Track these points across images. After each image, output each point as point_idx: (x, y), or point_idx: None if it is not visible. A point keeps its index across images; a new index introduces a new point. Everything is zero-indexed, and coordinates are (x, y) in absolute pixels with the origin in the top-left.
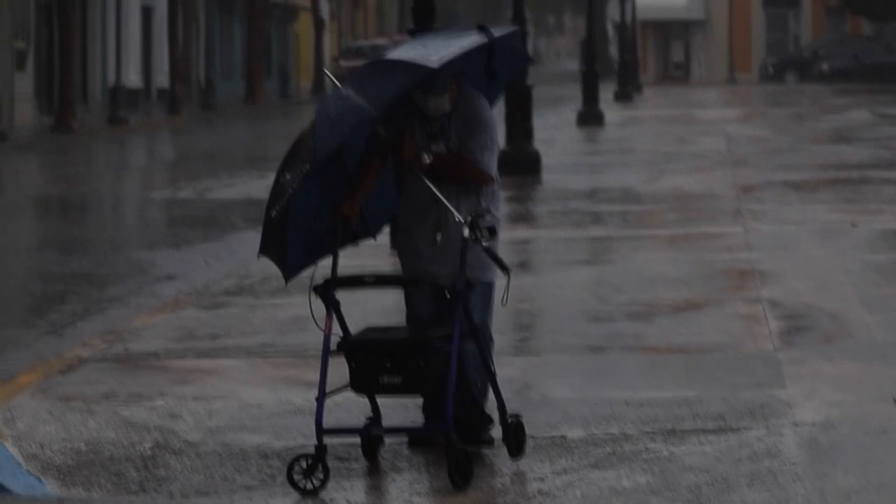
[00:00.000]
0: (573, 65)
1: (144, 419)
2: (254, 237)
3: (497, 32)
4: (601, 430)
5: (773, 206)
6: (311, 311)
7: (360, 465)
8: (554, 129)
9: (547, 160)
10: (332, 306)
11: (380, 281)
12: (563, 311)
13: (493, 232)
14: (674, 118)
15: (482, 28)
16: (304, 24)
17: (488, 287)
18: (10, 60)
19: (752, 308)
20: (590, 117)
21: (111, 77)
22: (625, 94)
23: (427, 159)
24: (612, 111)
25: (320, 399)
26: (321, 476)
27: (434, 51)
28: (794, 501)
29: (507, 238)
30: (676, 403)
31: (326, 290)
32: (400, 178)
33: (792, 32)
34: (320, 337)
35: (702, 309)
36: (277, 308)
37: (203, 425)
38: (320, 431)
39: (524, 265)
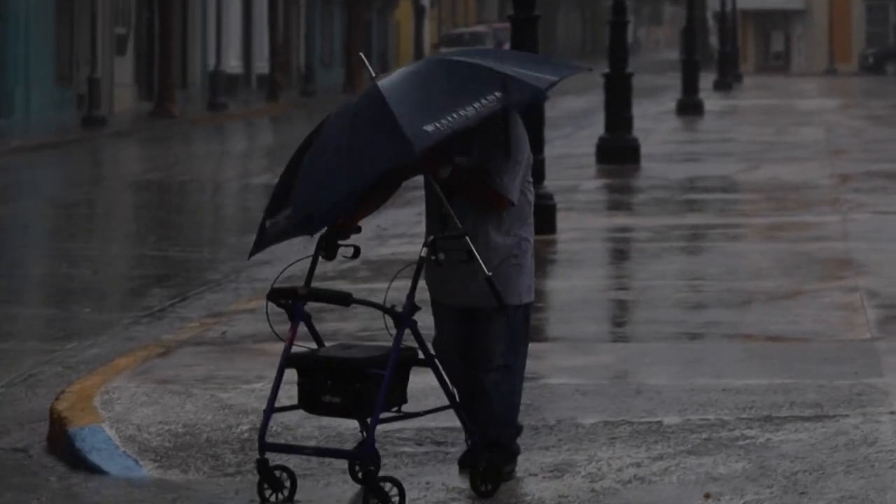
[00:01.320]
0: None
1: (242, 402)
2: None
3: (518, 94)
4: (697, 416)
5: (870, 196)
6: (269, 320)
7: (458, 449)
8: (653, 119)
9: (646, 149)
10: (299, 318)
11: (311, 295)
12: (659, 299)
13: (469, 254)
14: (773, 108)
15: (505, 86)
16: (404, 12)
17: (514, 313)
18: (110, 46)
19: (849, 297)
20: (689, 106)
21: (211, 62)
22: (724, 84)
23: (444, 172)
24: (711, 100)
25: (267, 412)
26: (284, 486)
27: (436, 108)
28: (891, 489)
29: (605, 226)
30: (773, 391)
31: (294, 302)
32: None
33: (892, 23)
34: (421, 321)
35: (798, 298)
36: (373, 293)
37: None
38: (262, 446)
39: (622, 253)
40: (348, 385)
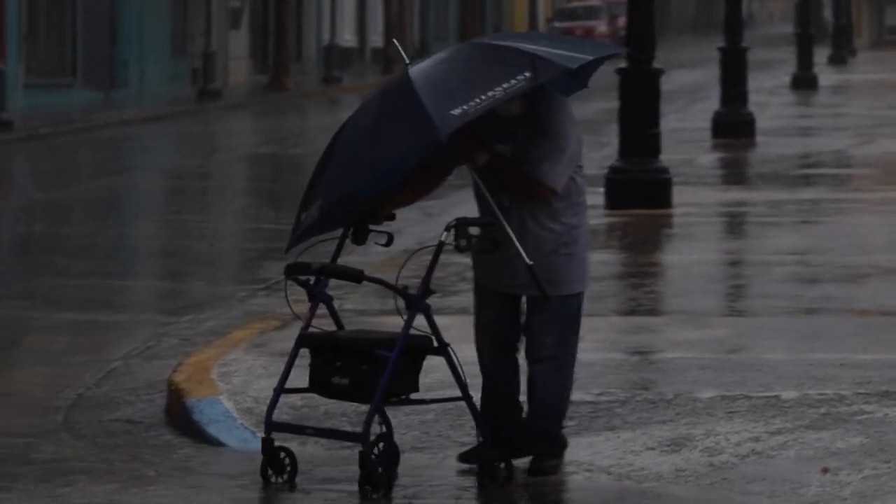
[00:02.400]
0: (787, 28)
1: None
2: (468, 197)
3: (547, 73)
4: (815, 391)
5: None
6: (287, 298)
7: (578, 424)
8: (768, 93)
9: (760, 123)
10: (319, 298)
11: (323, 270)
12: (774, 273)
13: (494, 242)
14: (887, 83)
15: (534, 66)
16: None
17: (564, 302)
18: (225, 19)
19: None
20: (804, 81)
21: (326, 36)
22: (839, 58)
23: (482, 159)
24: (825, 75)
25: (276, 391)
26: (286, 469)
27: (465, 91)
28: None
29: (720, 200)
30: (890, 366)
31: (315, 282)
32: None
33: None
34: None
35: None
36: None
37: (420, 381)
38: (268, 425)
39: (736, 227)
40: (356, 367)
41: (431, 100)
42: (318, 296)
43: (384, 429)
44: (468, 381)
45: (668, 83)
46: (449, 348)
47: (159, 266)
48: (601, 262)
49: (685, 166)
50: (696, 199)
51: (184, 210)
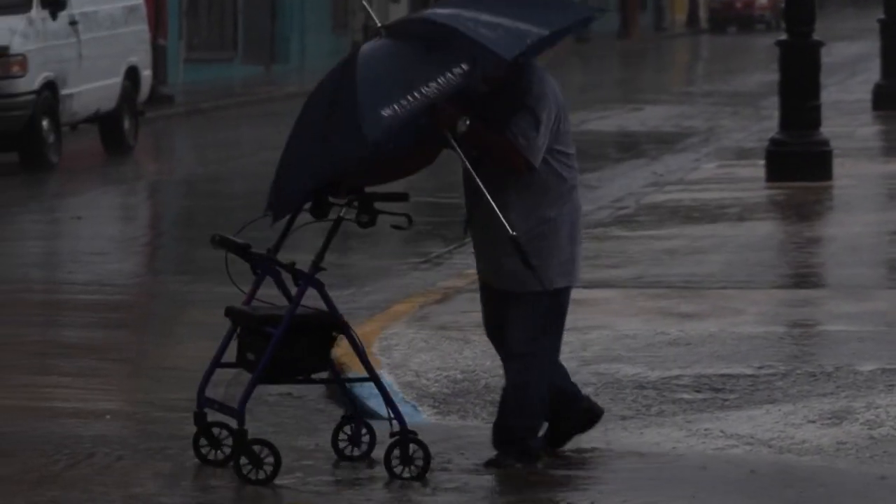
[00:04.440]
0: None
1: None
2: (628, 169)
3: (484, 67)
4: None
5: None
6: (228, 271)
7: (738, 397)
8: None
9: None
10: (263, 274)
11: (221, 242)
12: None
13: (371, 222)
14: None
15: (473, 57)
16: None
17: (537, 299)
18: None
19: None
20: None
21: None
22: None
23: (463, 126)
24: None
25: (211, 364)
26: (220, 445)
27: (400, 84)
28: None
29: (881, 172)
30: None
31: (260, 257)
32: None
33: None
34: (696, 269)
35: None
36: (652, 239)
37: (578, 355)
38: (199, 399)
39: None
40: (259, 344)
41: (368, 96)
42: (260, 270)
43: (347, 411)
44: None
45: (828, 55)
46: (348, 326)
47: (320, 240)
48: (762, 234)
49: (846, 138)
50: (856, 172)
51: None
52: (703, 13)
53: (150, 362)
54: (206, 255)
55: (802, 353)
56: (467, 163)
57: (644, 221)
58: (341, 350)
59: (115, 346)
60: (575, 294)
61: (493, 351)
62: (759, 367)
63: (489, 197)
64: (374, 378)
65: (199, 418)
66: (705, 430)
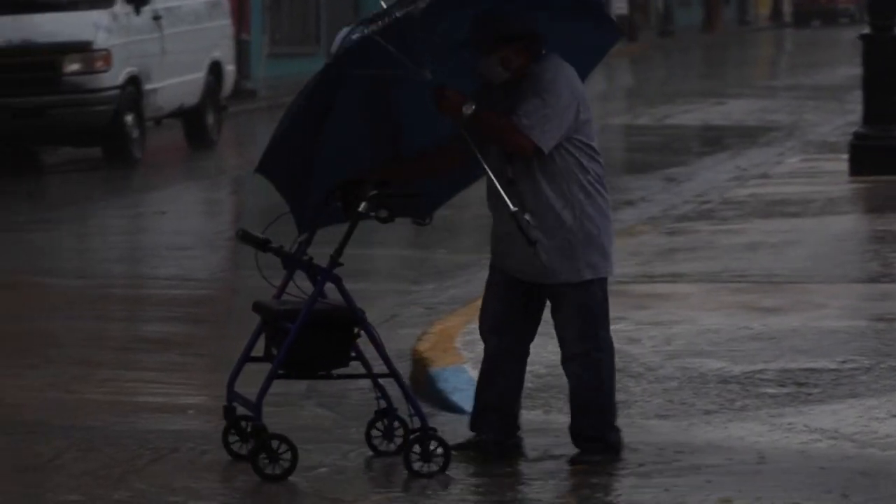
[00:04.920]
0: None
1: None
2: (711, 163)
3: None
4: None
5: None
6: (258, 264)
7: (822, 391)
8: None
9: None
10: (292, 268)
11: (242, 237)
12: None
13: (389, 218)
14: None
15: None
16: None
17: (578, 293)
18: None
19: None
20: None
21: None
22: None
23: (468, 110)
24: None
25: (240, 358)
26: (248, 439)
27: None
28: None
29: None
30: None
31: (292, 252)
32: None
33: None
34: (779, 263)
35: None
36: (735, 233)
37: (661, 349)
38: (230, 393)
39: None
40: (279, 338)
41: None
42: (288, 264)
43: (382, 404)
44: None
45: None
46: (367, 321)
47: (404, 234)
48: (845, 228)
49: None
50: None
51: None
52: (786, 7)
53: (232, 357)
54: (327, 252)
55: (886, 348)
56: (478, 152)
57: (727, 216)
58: (427, 345)
59: (199, 340)
60: (658, 289)
61: None
62: (843, 362)
63: (491, 174)
64: (394, 374)
65: (228, 412)
66: (789, 424)
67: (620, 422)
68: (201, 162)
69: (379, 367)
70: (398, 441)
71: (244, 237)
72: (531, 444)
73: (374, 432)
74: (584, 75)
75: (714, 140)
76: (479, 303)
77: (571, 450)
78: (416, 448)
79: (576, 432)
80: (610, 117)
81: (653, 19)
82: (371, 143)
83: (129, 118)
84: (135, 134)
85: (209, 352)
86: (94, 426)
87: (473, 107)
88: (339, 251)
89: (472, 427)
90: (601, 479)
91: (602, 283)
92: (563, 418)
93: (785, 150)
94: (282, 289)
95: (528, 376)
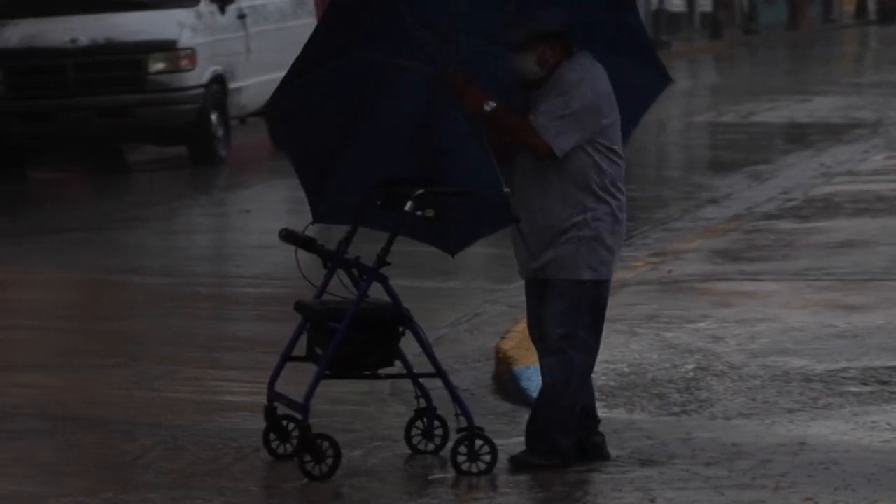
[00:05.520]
0: None
1: (687, 342)
2: (796, 160)
3: None
4: None
5: None
6: (298, 263)
7: None
8: None
9: None
10: (333, 267)
11: (287, 236)
12: None
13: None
14: None
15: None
16: None
17: (570, 290)
18: None
19: None
20: None
21: (654, 1)
22: None
23: (489, 107)
24: None
25: (281, 358)
26: (289, 439)
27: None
28: None
29: None
30: None
31: (333, 250)
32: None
33: None
34: (864, 260)
35: None
36: (819, 231)
37: (745, 348)
38: (270, 393)
39: None
40: (324, 338)
41: None
42: (330, 263)
43: (422, 403)
44: None
45: None
46: (413, 320)
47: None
48: None
49: None
50: None
51: None
52: (871, 4)
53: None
54: (373, 248)
55: None
56: (489, 148)
57: (812, 213)
58: (511, 343)
59: (283, 339)
60: (742, 287)
61: (660, 344)
62: None
63: (492, 157)
64: (440, 374)
65: (269, 412)
66: (872, 422)
67: (701, 419)
68: (285, 160)
69: (419, 367)
70: (438, 441)
71: (287, 237)
72: (615, 442)
73: (414, 431)
74: (637, 117)
75: (799, 137)
76: None
77: (649, 451)
78: (463, 448)
79: (528, 429)
80: (694, 114)
81: (737, 17)
82: (409, 151)
83: (213, 117)
84: (219, 133)
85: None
86: (179, 425)
87: (494, 104)
88: (385, 250)
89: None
90: (678, 474)
91: (597, 284)
92: (646, 416)
93: (870, 147)
94: (322, 288)
95: (611, 374)
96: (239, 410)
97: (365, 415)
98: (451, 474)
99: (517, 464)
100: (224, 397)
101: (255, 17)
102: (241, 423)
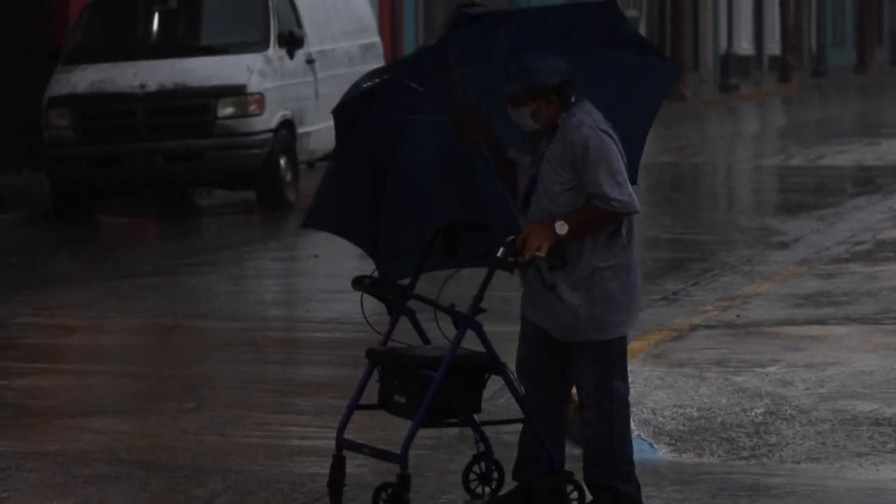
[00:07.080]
0: None
1: (756, 385)
2: (864, 204)
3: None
4: None
5: None
6: (362, 310)
7: None
8: None
9: None
10: (397, 312)
11: (372, 285)
12: None
13: (563, 260)
14: None
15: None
16: None
17: (596, 348)
18: None
19: None
20: None
21: (723, 44)
22: None
23: (562, 230)
24: None
25: (348, 408)
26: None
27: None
28: None
29: None
30: None
31: (399, 296)
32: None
33: None
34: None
35: None
36: (889, 275)
37: (814, 392)
38: (339, 440)
39: None
40: (411, 386)
41: None
42: (395, 309)
43: (481, 447)
44: None
45: None
46: (506, 368)
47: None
48: None
49: None
50: None
51: None
52: None
53: None
54: (458, 292)
55: None
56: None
57: (881, 256)
58: None
59: (353, 384)
60: (811, 331)
61: (729, 388)
62: None
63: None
64: (528, 420)
65: (339, 463)
66: None
67: (770, 463)
68: None
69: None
70: (494, 484)
71: (374, 285)
72: (676, 487)
73: (472, 476)
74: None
75: (867, 180)
76: (632, 345)
77: (721, 494)
78: (552, 491)
79: (589, 482)
80: (763, 158)
81: (806, 60)
82: (445, 191)
83: (282, 161)
84: (288, 177)
85: (367, 396)
86: (249, 469)
87: (562, 223)
88: (479, 296)
89: (515, 477)
90: None
91: (619, 340)
92: (716, 461)
93: None
94: (388, 335)
95: (680, 418)
96: (309, 455)
97: (436, 459)
98: None
99: None
100: (294, 442)
101: (324, 62)
102: (311, 468)
